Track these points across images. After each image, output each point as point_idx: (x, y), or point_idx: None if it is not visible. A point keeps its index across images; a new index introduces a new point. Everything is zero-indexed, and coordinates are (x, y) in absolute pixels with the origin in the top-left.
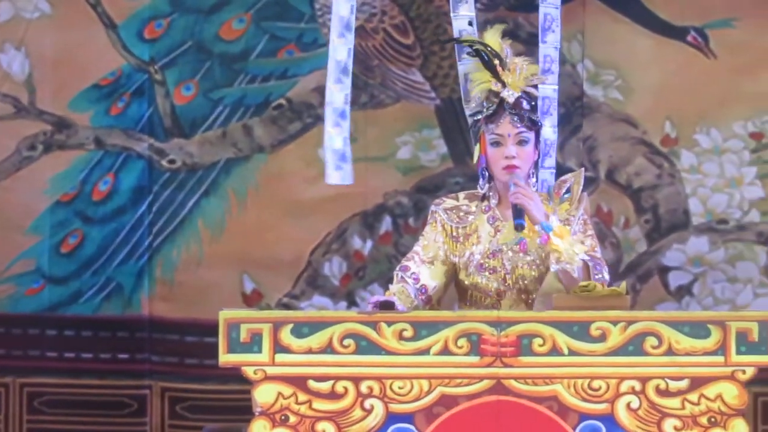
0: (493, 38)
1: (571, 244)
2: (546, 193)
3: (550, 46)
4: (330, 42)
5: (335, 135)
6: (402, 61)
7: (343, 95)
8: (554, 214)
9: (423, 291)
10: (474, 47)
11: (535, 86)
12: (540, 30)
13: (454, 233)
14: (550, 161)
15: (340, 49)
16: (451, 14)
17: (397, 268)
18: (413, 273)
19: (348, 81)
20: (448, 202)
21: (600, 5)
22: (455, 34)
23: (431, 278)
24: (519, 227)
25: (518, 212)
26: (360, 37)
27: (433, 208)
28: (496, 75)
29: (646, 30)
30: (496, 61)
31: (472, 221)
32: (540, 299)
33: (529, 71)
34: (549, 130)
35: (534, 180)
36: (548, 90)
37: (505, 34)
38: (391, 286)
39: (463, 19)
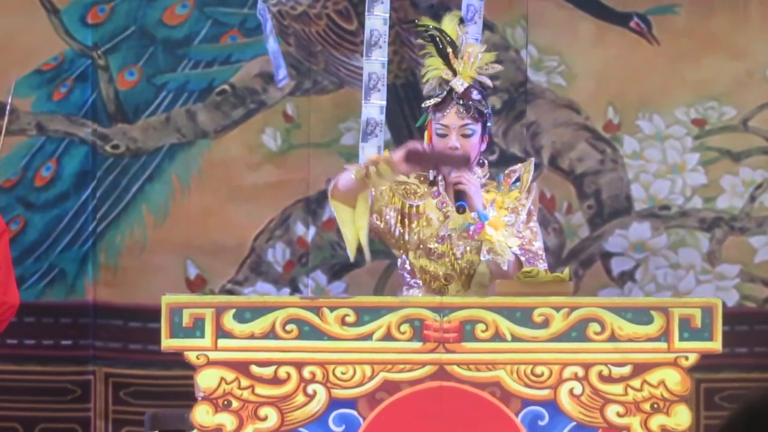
0: (450, 25)
1: (505, 237)
2: (495, 182)
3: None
4: None
5: None
6: (345, 47)
7: None
8: (492, 206)
9: None
10: (429, 32)
11: (490, 75)
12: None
13: (404, 209)
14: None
15: None
16: (366, 14)
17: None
18: None
19: None
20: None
21: None
22: (367, 34)
23: None
24: (460, 209)
25: (458, 195)
26: (303, 22)
27: None
28: (447, 63)
29: (589, 15)
30: (450, 49)
31: (421, 204)
32: (473, 287)
33: (483, 60)
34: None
35: (483, 170)
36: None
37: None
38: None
39: (377, 18)
